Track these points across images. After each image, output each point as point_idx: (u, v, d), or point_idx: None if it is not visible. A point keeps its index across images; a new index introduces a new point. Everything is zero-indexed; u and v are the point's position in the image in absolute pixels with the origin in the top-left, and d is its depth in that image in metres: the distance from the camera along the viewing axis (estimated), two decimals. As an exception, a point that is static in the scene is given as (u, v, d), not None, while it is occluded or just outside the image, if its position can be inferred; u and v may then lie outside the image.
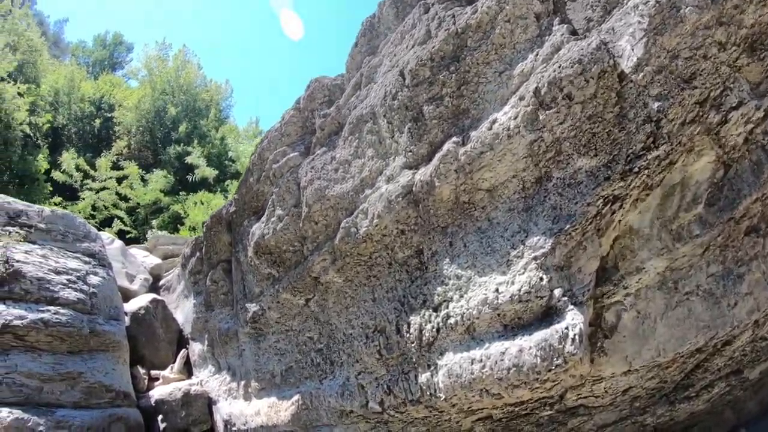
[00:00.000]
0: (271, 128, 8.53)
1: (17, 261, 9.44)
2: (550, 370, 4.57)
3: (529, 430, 6.58)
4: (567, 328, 4.45)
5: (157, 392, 10.51)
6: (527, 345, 4.66)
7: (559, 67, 4.28)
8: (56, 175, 20.38)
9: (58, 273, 9.85)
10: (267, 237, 7.90)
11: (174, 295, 12.76)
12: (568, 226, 4.45)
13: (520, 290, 4.73)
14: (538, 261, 4.66)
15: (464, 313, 5.12)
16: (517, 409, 5.94)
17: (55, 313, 9.18)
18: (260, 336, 9.20)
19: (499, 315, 4.92)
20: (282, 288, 7.89)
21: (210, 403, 10.78)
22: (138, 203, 21.31)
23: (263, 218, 8.22)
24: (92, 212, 19.76)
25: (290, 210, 7.43)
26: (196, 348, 11.58)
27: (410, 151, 5.78)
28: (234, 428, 9.74)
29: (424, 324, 5.55)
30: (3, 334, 8.67)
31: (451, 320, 5.24)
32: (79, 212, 18.70)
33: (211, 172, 22.26)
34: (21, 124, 18.86)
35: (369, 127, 6.43)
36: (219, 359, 10.88)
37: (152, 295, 12.05)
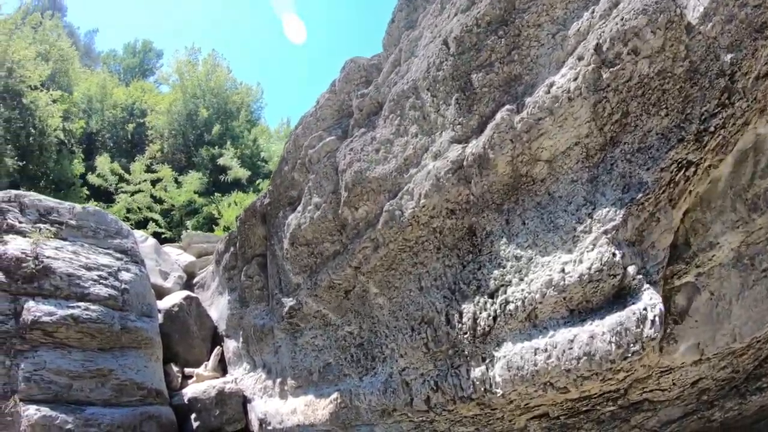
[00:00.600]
0: (305, 114, 8.07)
1: (47, 257, 9.15)
2: (625, 358, 4.00)
3: (589, 428, 5.99)
4: (645, 309, 3.88)
5: (191, 390, 10.13)
6: (599, 330, 4.09)
7: (622, 20, 3.85)
8: (91, 178, 20.42)
9: (88, 269, 9.54)
10: (304, 227, 7.44)
11: (208, 293, 12.41)
12: (640, 195, 3.93)
13: (590, 269, 4.15)
14: (609, 235, 4.10)
15: (525, 298, 4.56)
16: (578, 405, 5.37)
17: (85, 309, 8.86)
18: (297, 332, 8.75)
19: (565, 298, 4.35)
20: (320, 280, 7.42)
21: (245, 401, 10.37)
22: (173, 205, 21.21)
23: (299, 208, 7.76)
24: (127, 214, 19.67)
25: (328, 197, 6.94)
26: (230, 345, 11.19)
27: (459, 124, 5.25)
28: (269, 427, 9.30)
29: (478, 312, 5.00)
30: (32, 331, 8.37)
31: (510, 306, 4.68)
32: (116, 214, 18.64)
33: (244, 173, 22.02)
34: (55, 130, 19.03)
35: (411, 102, 5.91)
36: (254, 356, 10.46)
37: (186, 293, 11.71)
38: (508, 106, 4.79)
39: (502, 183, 4.86)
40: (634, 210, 4.02)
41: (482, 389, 5.04)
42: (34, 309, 8.53)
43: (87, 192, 20.64)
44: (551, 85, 4.43)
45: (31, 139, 17.70)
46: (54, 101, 19.27)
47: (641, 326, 3.88)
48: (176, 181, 21.64)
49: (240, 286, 10.32)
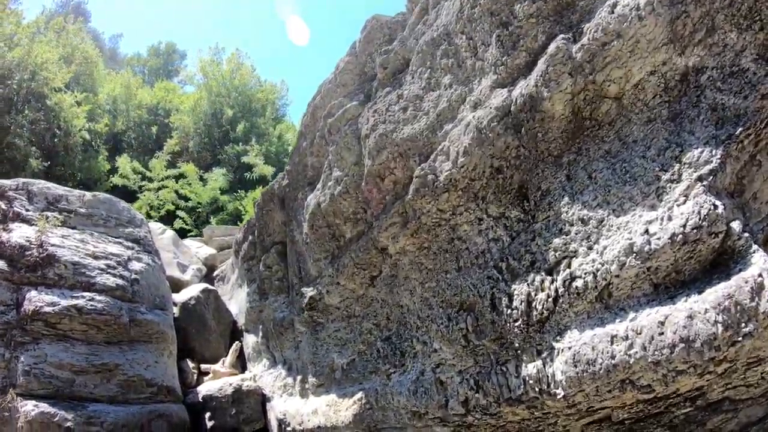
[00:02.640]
0: (323, 82, 7.09)
1: (52, 245, 8.32)
2: (733, 343, 2.92)
3: (658, 434, 4.87)
4: (761, 275, 2.79)
5: (206, 388, 9.20)
6: (699, 308, 2.99)
7: None
8: (114, 179, 19.82)
9: (96, 258, 8.68)
10: (323, 206, 6.46)
11: (228, 286, 11.51)
12: (738, 129, 3.01)
13: (683, 227, 3.07)
14: (705, 182, 3.05)
15: (597, 271, 3.47)
16: (649, 407, 4.27)
17: (90, 300, 7.99)
18: (318, 325, 7.76)
19: (649, 269, 3.27)
20: (342, 266, 6.43)
21: (263, 400, 9.41)
22: (198, 202, 20.54)
23: (318, 186, 6.78)
24: (149, 211, 19.00)
25: (350, 169, 5.94)
26: (249, 340, 10.25)
27: (501, 65, 4.20)
28: (288, 428, 8.32)
29: (533, 293, 3.93)
30: (33, 322, 7.52)
31: (577, 283, 3.59)
32: (138, 211, 18.08)
33: (269, 170, 21.18)
34: (80, 131, 18.56)
35: (443, 50, 4.88)
36: (274, 352, 9.50)
37: (204, 285, 10.82)
38: (562, 36, 3.74)
39: (560, 129, 3.79)
40: (732, 149, 3.09)
41: (537, 390, 3.97)
42: (36, 299, 7.70)
43: (112, 191, 20.06)
44: (614, 4, 3.44)
45: (56, 140, 17.50)
46: (78, 103, 18.80)
47: (756, 299, 2.79)
48: (201, 178, 20.92)
49: (259, 277, 9.38)
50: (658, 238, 3.17)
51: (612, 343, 3.32)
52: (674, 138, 3.31)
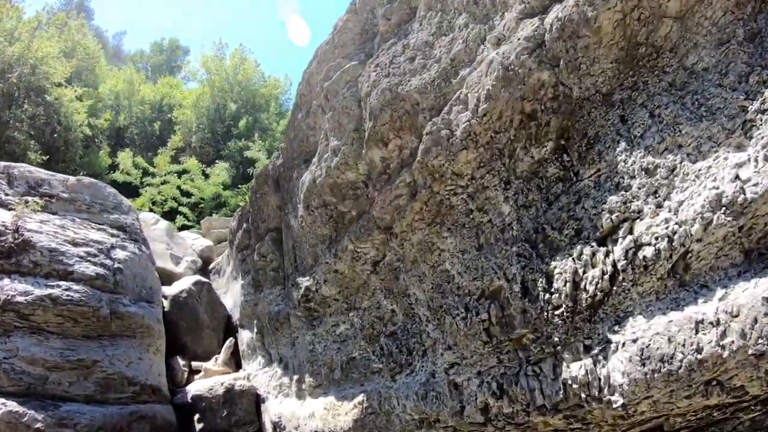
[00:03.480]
0: (320, 45, 6.18)
1: (29, 230, 7.44)
2: None
3: (717, 444, 3.94)
4: None
5: (195, 387, 8.30)
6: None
7: None
8: (116, 174, 18.97)
9: (75, 245, 7.79)
10: (319, 181, 5.55)
11: (224, 279, 10.61)
12: None
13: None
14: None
15: (672, 235, 2.54)
16: (715, 412, 3.37)
17: (66, 290, 7.10)
18: (315, 319, 6.87)
19: (741, 229, 2.34)
20: (340, 251, 5.54)
21: (258, 400, 8.50)
22: (201, 198, 19.69)
23: (314, 160, 5.87)
24: (152, 207, 18.15)
25: (348, 137, 5.03)
26: (244, 336, 9.34)
27: (532, -10, 3.28)
28: (284, 433, 7.41)
29: (582, 270, 3.00)
30: (5, 313, 6.62)
31: (645, 253, 2.66)
32: (139, 207, 17.29)
33: (272, 165, 20.27)
34: (80, 126, 17.80)
35: (459, -14, 3.97)
36: (269, 349, 8.60)
37: (196, 277, 9.93)
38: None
39: (609, 58, 2.88)
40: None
41: (582, 396, 3.04)
42: (8, 287, 6.82)
43: (114, 187, 19.23)
44: None
45: (56, 135, 16.82)
46: (79, 98, 18.02)
47: None
48: (204, 174, 20.06)
49: (253, 267, 8.48)
50: (755, 185, 2.24)
51: (697, 332, 2.38)
52: (756, 60, 2.40)
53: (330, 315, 6.51)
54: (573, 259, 3.01)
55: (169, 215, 18.53)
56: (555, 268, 3.12)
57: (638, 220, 2.69)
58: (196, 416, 8.14)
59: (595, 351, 2.92)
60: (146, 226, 11.01)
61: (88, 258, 7.69)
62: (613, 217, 2.80)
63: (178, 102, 23.10)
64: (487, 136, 3.44)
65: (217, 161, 20.92)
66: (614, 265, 2.76)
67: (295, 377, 7.69)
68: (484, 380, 3.97)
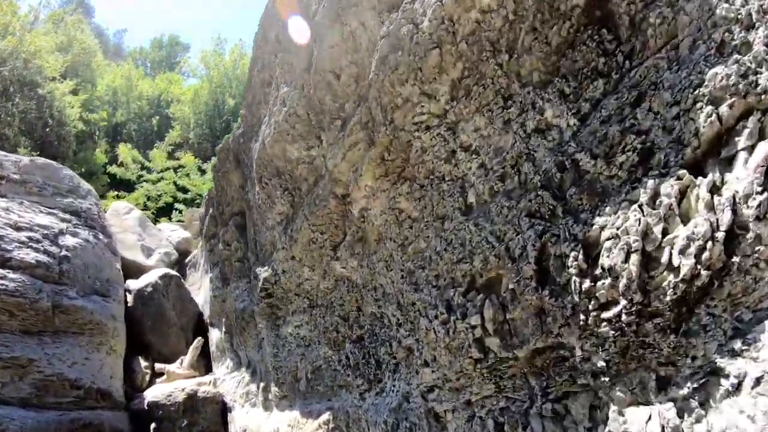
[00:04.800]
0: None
1: (-38, 212, 6.00)
2: None
3: None
4: None
5: (152, 393, 6.79)
6: None
7: None
8: (112, 168, 17.56)
9: (18, 229, 6.33)
10: (269, 142, 4.05)
11: (198, 273, 9.10)
12: None
13: None
14: None
15: None
16: None
17: (0, 278, 5.63)
18: (278, 318, 5.39)
19: None
20: (295, 231, 4.05)
21: (224, 409, 6.97)
22: (198, 194, 18.24)
23: (265, 118, 4.36)
24: (147, 202, 16.72)
25: (298, 79, 3.51)
26: (214, 336, 7.81)
27: None
28: (246, 450, 5.92)
29: (658, 228, 1.42)
30: (-73, 301, 5.23)
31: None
32: (133, 202, 15.92)
33: (271, 161, 18.79)
34: (74, 121, 16.39)
35: None
36: (238, 351, 7.07)
37: (164, 270, 8.41)
38: None
39: None
40: None
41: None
42: (-66, 272, 5.38)
43: (108, 181, 17.81)
44: None
45: (48, 129, 15.29)
46: (74, 92, 16.63)
47: None
48: (200, 169, 18.60)
49: (220, 258, 6.96)
50: None
51: None
52: None
53: (292, 313, 5.02)
54: (640, 207, 1.46)
55: (165, 211, 17.17)
56: (602, 229, 1.57)
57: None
58: (153, 426, 6.63)
59: (686, 389, 1.37)
60: (117, 216, 9.55)
61: (30, 244, 6.23)
62: (724, 111, 1.26)
63: (176, 98, 21.59)
64: (470, 20, 1.90)
65: (214, 157, 19.46)
66: (734, 207, 1.22)
67: (262, 385, 6.18)
68: (476, 414, 2.44)
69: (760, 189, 1.22)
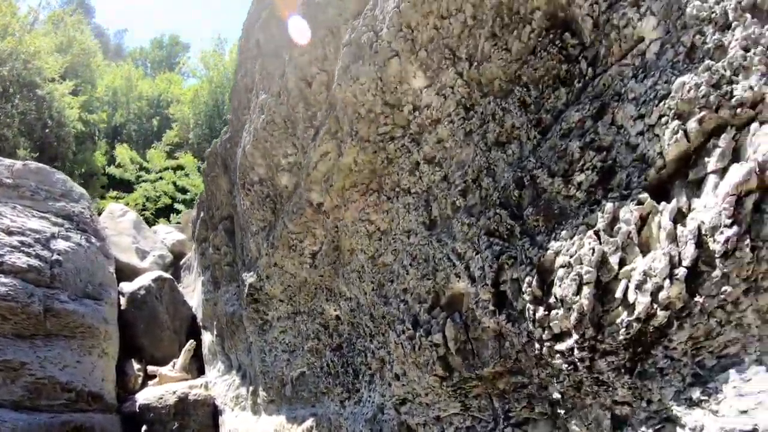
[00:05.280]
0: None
1: (-48, 217, 5.91)
2: None
3: None
4: None
5: (143, 395, 6.70)
6: None
7: None
8: (111, 169, 17.36)
9: (9, 233, 6.24)
10: (248, 149, 3.96)
11: (192, 276, 9.01)
12: None
13: None
14: None
15: None
16: None
17: (-9, 283, 5.59)
18: (265, 323, 5.30)
19: None
20: (276, 238, 3.96)
21: (215, 412, 6.87)
22: (197, 194, 18.02)
23: (246, 125, 4.25)
24: (146, 202, 16.53)
25: (276, 84, 3.41)
26: (206, 339, 7.72)
27: None
28: (233, 455, 5.83)
29: (616, 256, 1.31)
30: None
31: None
32: (132, 203, 15.72)
33: (272, 162, 18.59)
34: (73, 121, 16.20)
35: None
36: (229, 354, 6.97)
37: (157, 273, 8.32)
38: None
39: None
40: None
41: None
42: (-74, 277, 5.31)
43: (107, 181, 17.62)
44: None
45: (47, 130, 15.02)
46: (73, 93, 16.42)
47: None
48: (200, 169, 18.40)
49: (210, 262, 6.86)
50: None
51: None
52: None
53: (277, 319, 4.92)
54: (596, 234, 1.34)
55: (164, 212, 16.96)
56: (557, 254, 1.46)
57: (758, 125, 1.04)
58: (144, 428, 6.54)
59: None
60: (112, 218, 9.46)
61: (22, 248, 6.14)
62: (692, 127, 1.14)
63: (176, 98, 21.30)
64: (428, 26, 1.79)
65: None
66: (699, 239, 1.10)
67: (251, 388, 6.09)
68: (445, 430, 2.32)
69: (729, 222, 1.09)
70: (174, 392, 6.69)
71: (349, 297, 3.20)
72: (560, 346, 1.40)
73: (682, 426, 1.12)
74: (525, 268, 1.52)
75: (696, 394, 1.10)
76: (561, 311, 1.37)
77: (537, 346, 1.49)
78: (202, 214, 7.01)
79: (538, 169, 1.53)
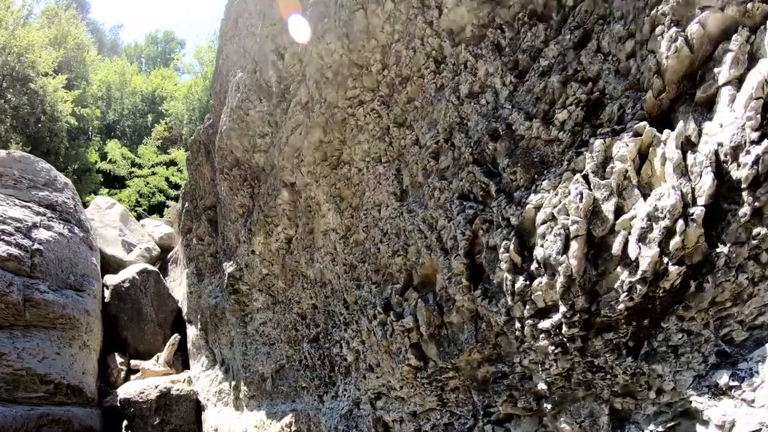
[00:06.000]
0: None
1: (-73, 204, 5.62)
2: None
3: None
4: None
5: (124, 390, 6.41)
6: None
7: None
8: (102, 165, 16.94)
9: (-11, 222, 5.96)
10: (225, 130, 3.71)
11: (179, 269, 8.70)
12: None
13: None
14: None
15: None
16: None
17: (-32, 272, 5.31)
18: (246, 315, 5.04)
19: None
20: (253, 224, 3.68)
21: (198, 407, 6.59)
22: (190, 190, 17.57)
23: (225, 108, 3.99)
24: (138, 198, 16.14)
25: (251, 62, 3.14)
26: (191, 333, 7.43)
27: None
28: (214, 451, 5.57)
29: (609, 205, 1.04)
30: None
31: None
32: (125, 199, 15.34)
33: (267, 159, 18.25)
34: (66, 115, 15.81)
35: None
36: (213, 348, 6.70)
37: (142, 265, 8.02)
38: None
39: None
40: None
41: None
42: None
43: (102, 179, 17.22)
44: None
45: (39, 125, 14.64)
46: (67, 88, 16.00)
47: None
48: (192, 165, 17.97)
49: (194, 253, 6.58)
50: None
51: None
52: None
53: (258, 311, 4.66)
54: (585, 178, 1.07)
55: (158, 209, 16.57)
56: (537, 209, 1.19)
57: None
58: (124, 423, 6.26)
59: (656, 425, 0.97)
60: (99, 210, 9.15)
61: (2, 237, 5.86)
62: (694, 32, 0.87)
63: (170, 93, 20.87)
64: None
65: (199, 152, 18.81)
66: (717, 166, 0.83)
67: (233, 383, 5.82)
68: (422, 428, 2.07)
69: (756, 135, 0.81)
70: (156, 387, 6.40)
71: (323, 283, 2.94)
72: (545, 324, 1.13)
73: (705, 422, 0.84)
74: (502, 231, 1.25)
75: (723, 378, 0.82)
76: (545, 279, 1.11)
77: (518, 325, 1.22)
78: (186, 205, 6.72)
79: (514, 115, 1.26)
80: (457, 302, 1.46)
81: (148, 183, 16.38)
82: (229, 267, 4.77)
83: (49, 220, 6.64)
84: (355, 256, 2.26)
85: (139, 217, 13.19)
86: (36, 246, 6.21)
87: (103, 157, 17.42)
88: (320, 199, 2.48)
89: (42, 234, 6.39)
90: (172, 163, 17.14)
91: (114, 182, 16.89)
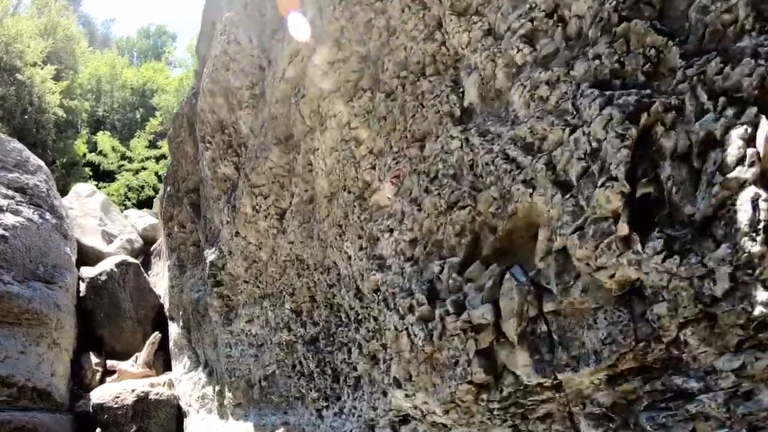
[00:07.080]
0: None
1: None
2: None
3: None
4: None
5: (98, 394, 5.66)
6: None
7: None
8: (91, 157, 16.08)
9: (-54, 204, 5.19)
10: (207, 84, 3.01)
11: (162, 261, 7.93)
12: None
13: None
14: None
15: None
16: None
17: None
18: (231, 311, 4.34)
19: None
20: (238, 198, 2.95)
21: (180, 413, 5.85)
22: (181, 185, 16.78)
23: (209, 61, 3.26)
24: (128, 193, 15.33)
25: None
26: (173, 331, 6.67)
27: None
28: (195, 465, 4.86)
29: None
30: None
31: None
32: (114, 193, 14.54)
33: (260, 154, 17.48)
34: (54, 107, 14.98)
35: None
36: (196, 348, 5.96)
37: (122, 257, 7.25)
38: None
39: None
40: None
41: None
42: None
43: (91, 172, 16.38)
44: None
45: (26, 116, 13.90)
46: (55, 79, 15.16)
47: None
48: (183, 159, 17.18)
49: (176, 242, 5.84)
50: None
51: None
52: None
53: (243, 305, 3.96)
54: None
55: (147, 204, 15.74)
56: None
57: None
58: (98, 431, 5.50)
59: None
60: (78, 198, 8.38)
61: (-39, 222, 5.10)
62: None
63: (161, 87, 19.99)
64: None
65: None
66: None
67: (217, 388, 5.10)
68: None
69: None
70: (133, 391, 5.64)
71: (326, 267, 2.23)
72: None
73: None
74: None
75: None
76: None
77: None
78: (168, 189, 5.97)
79: None
80: (592, 270, 0.77)
81: (138, 177, 15.60)
82: (210, 255, 4.06)
83: (17, 204, 5.87)
84: (377, 225, 1.56)
85: (126, 211, 12.40)
86: (1, 232, 5.44)
87: (93, 150, 16.60)
88: (327, 147, 1.78)
89: (8, 219, 5.63)
90: (163, 157, 16.32)
91: (104, 177, 16.06)
